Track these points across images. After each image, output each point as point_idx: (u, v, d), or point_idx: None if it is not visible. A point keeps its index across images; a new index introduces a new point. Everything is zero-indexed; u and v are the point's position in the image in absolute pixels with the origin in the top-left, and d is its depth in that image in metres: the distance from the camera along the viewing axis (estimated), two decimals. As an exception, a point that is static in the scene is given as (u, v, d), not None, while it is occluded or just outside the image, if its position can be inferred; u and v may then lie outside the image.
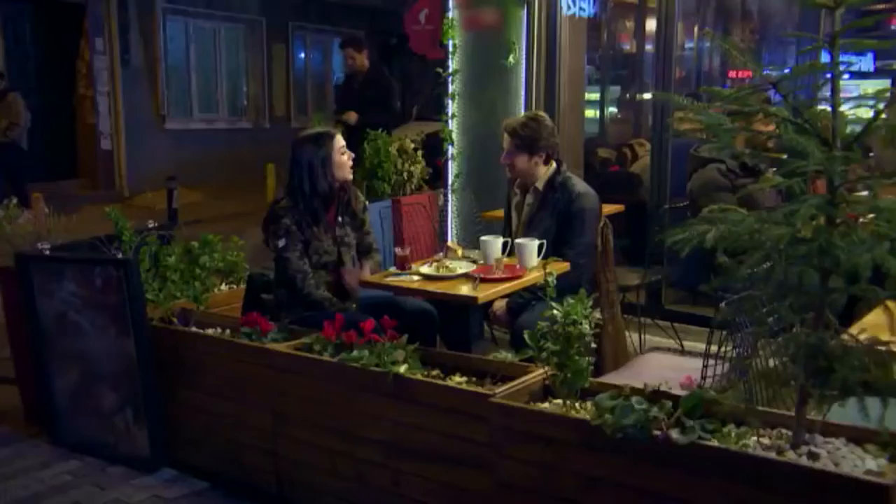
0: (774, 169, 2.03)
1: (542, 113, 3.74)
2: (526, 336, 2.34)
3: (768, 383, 1.98)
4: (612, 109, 9.44)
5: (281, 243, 3.33)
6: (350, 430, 2.71)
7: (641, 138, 6.81)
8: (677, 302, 5.03)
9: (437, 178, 5.64)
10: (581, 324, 2.27)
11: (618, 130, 8.66)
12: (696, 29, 9.54)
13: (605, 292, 3.77)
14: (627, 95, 9.81)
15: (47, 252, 3.46)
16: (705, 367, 2.54)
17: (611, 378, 2.84)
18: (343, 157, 3.40)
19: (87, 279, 3.32)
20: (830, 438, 1.96)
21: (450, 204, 5.33)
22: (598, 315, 2.29)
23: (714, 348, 2.54)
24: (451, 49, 5.21)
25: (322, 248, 3.40)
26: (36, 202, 8.59)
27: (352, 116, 6.34)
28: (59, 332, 3.46)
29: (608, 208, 4.61)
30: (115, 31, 11.20)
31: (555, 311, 2.31)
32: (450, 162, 5.37)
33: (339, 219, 3.47)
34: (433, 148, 5.70)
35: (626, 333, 4.54)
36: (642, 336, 4.47)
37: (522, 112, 5.10)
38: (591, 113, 8.61)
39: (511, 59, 4.96)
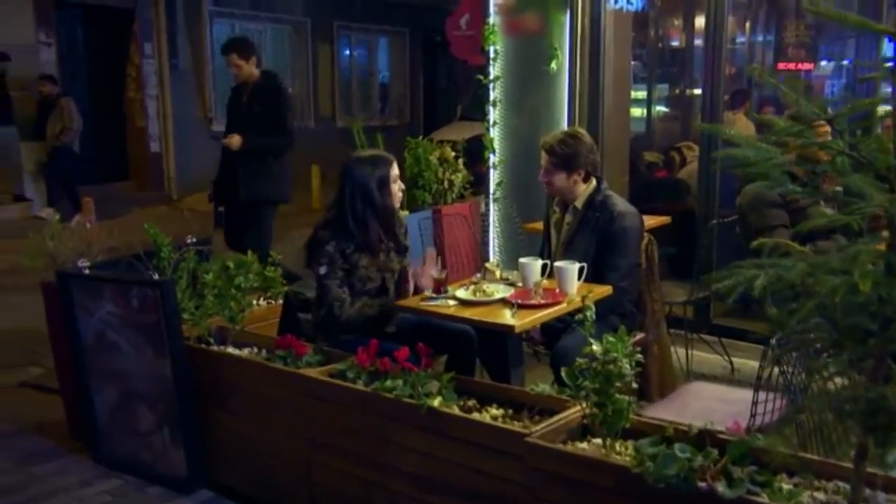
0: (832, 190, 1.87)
1: (580, 129, 3.61)
2: (563, 375, 2.24)
3: (822, 438, 1.85)
4: (660, 108, 9.21)
5: (322, 270, 3.27)
6: (383, 460, 2.65)
7: (690, 141, 6.61)
8: (726, 315, 4.86)
9: (479, 183, 5.55)
10: (621, 362, 2.16)
11: (665, 131, 8.45)
12: (747, 23, 9.26)
13: (650, 312, 3.64)
14: (677, 92, 9.57)
15: (87, 271, 3.47)
16: (755, 403, 2.41)
17: (655, 410, 2.73)
18: (395, 187, 3.33)
19: (124, 299, 3.32)
20: (894, 496, 1.82)
21: (491, 213, 5.24)
22: (640, 356, 2.17)
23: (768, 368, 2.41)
24: (492, 55, 5.11)
25: (366, 274, 3.33)
26: (86, 206, 8.77)
27: (234, 141, 5.10)
28: (99, 351, 3.48)
29: (653, 221, 4.47)
30: (164, 36, 11.36)
31: (594, 347, 2.20)
32: (491, 170, 5.27)
33: (384, 245, 3.40)
34: (475, 152, 5.59)
35: (673, 349, 4.41)
36: (689, 352, 4.32)
37: (565, 118, 4.99)
38: (637, 112, 8.40)
39: (553, 65, 4.84)
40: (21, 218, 9.22)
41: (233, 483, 3.25)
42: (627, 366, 2.14)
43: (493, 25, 5.06)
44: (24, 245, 3.87)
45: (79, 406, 3.66)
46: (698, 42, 7.96)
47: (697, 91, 7.38)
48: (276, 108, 5.18)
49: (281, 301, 3.85)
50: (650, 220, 4.48)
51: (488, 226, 5.24)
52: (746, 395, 2.61)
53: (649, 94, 8.81)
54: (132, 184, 11.41)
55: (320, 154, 11.88)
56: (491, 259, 5.23)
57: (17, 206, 9.21)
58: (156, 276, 3.39)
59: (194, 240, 3.87)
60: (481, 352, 3.39)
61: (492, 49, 5.09)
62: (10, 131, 9.29)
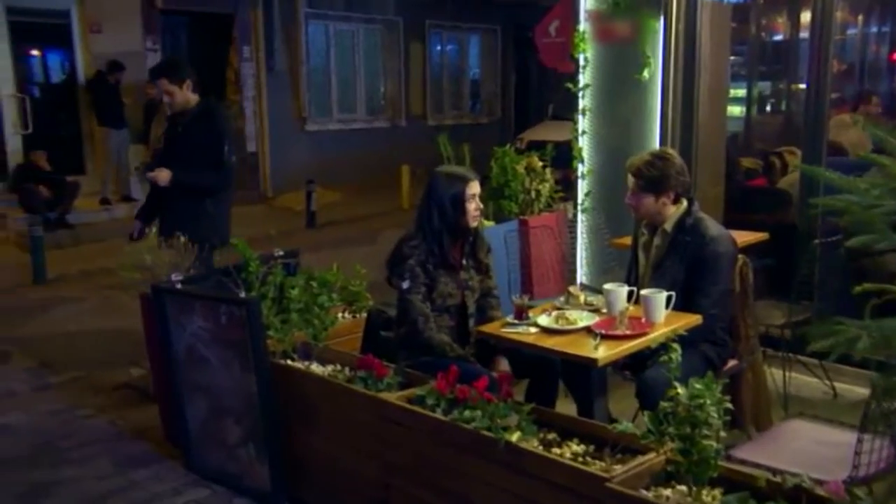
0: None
1: (670, 150, 3.47)
2: (647, 419, 2.15)
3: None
4: (761, 108, 8.80)
5: (405, 285, 3.28)
6: (460, 491, 2.62)
7: (793, 146, 6.26)
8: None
9: (567, 188, 5.42)
10: (709, 409, 2.05)
11: (766, 133, 8.06)
12: (860, 16, 8.71)
13: (744, 337, 3.47)
14: (780, 89, 9.11)
15: (179, 286, 3.58)
16: (858, 454, 2.25)
17: (748, 450, 2.59)
18: (471, 206, 3.30)
19: (213, 315, 3.41)
20: None
21: (579, 224, 5.12)
22: (729, 404, 2.06)
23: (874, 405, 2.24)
24: (582, 62, 4.99)
25: (447, 290, 3.32)
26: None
27: (162, 176, 4.41)
28: (190, 363, 3.58)
29: (749, 237, 4.27)
30: (261, 38, 11.68)
31: (679, 391, 2.10)
32: (580, 180, 5.15)
33: (465, 262, 3.38)
34: (565, 155, 5.43)
35: (769, 371, 4.20)
36: (787, 375, 4.10)
37: (657, 128, 4.82)
38: (735, 110, 8.02)
39: (646, 73, 4.67)
40: (128, 217, 9.66)
41: (313, 500, 3.29)
42: (715, 414, 2.02)
43: (584, 32, 4.93)
44: (122, 258, 4.04)
45: (173, 414, 3.79)
46: (804, 35, 7.55)
47: (803, 86, 6.93)
48: (213, 141, 4.45)
49: (365, 314, 3.88)
50: (746, 237, 4.28)
51: (576, 238, 5.12)
52: (849, 437, 2.45)
53: (749, 93, 8.42)
54: (230, 183, 11.77)
55: (411, 153, 11.98)
56: (578, 273, 5.12)
57: (126, 205, 9.67)
58: (243, 294, 3.46)
59: (281, 253, 3.95)
60: (565, 374, 3.32)
61: (581, 56, 4.96)
62: (124, 135, 9.78)
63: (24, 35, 9.65)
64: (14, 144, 9.36)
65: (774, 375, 4.12)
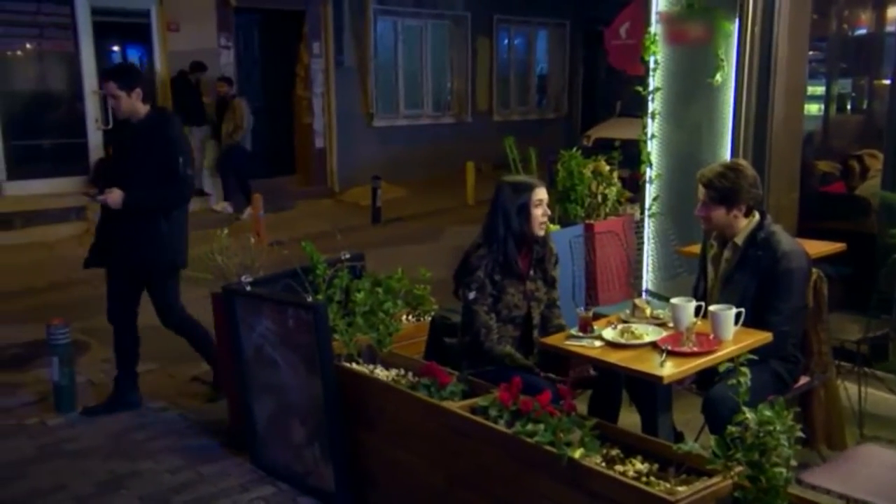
0: None
1: (742, 161, 3.38)
2: (713, 444, 2.12)
3: None
4: (840, 107, 8.45)
5: (471, 295, 3.30)
6: (522, 504, 2.63)
7: (875, 148, 6.01)
8: (908, 348, 4.42)
9: (634, 188, 5.34)
10: (777, 434, 2.01)
11: (846, 134, 7.75)
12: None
13: (817, 353, 3.37)
14: (862, 86, 8.73)
15: (248, 288, 3.67)
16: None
17: (819, 475, 2.52)
18: (537, 211, 3.30)
19: (281, 318, 3.48)
20: None
21: (647, 230, 5.04)
22: (801, 433, 2.00)
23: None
24: (652, 65, 4.90)
25: (513, 302, 3.33)
26: (255, 200, 9.37)
27: (112, 198, 4.14)
28: (258, 363, 3.68)
29: (824, 248, 4.12)
30: (331, 35, 11.83)
31: (748, 417, 2.06)
32: (648, 184, 5.07)
33: (532, 272, 3.37)
34: (632, 155, 5.34)
35: (843, 386, 4.07)
36: (862, 391, 3.96)
37: (729, 133, 4.70)
38: (813, 108, 7.74)
39: (718, 77, 4.56)
40: (201, 210, 9.98)
41: (377, 502, 3.34)
42: (786, 442, 1.98)
43: (655, 34, 4.84)
44: (195, 258, 4.14)
45: (241, 412, 3.90)
46: (891, 28, 7.22)
47: (887, 81, 6.61)
48: (165, 153, 4.16)
49: (429, 318, 3.91)
50: (822, 247, 4.14)
51: (643, 243, 5.04)
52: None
53: (828, 91, 8.10)
54: (298, 178, 12.01)
55: (476, 149, 11.99)
56: (644, 279, 5.04)
57: (198, 199, 9.95)
58: (310, 297, 3.53)
59: (348, 255, 4.01)
60: (629, 386, 3.28)
61: (652, 59, 4.87)
62: (205, 131, 10.10)
63: (106, 34, 10.02)
64: (96, 139, 9.73)
65: (849, 391, 3.99)
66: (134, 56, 10.87)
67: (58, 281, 7.51)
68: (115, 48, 10.77)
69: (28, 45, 9.81)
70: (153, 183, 4.17)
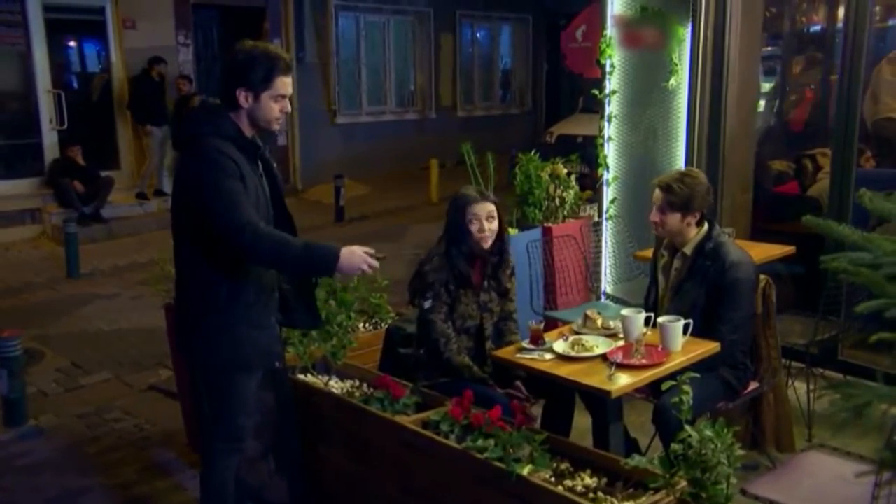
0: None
1: (696, 170, 3.42)
2: (656, 462, 2.14)
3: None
4: (793, 101, 8.54)
5: (427, 304, 3.27)
6: (474, 519, 2.63)
7: (828, 147, 6.09)
8: (854, 347, 4.48)
9: (595, 186, 5.36)
10: (717, 453, 2.04)
11: (799, 130, 7.84)
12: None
13: (766, 359, 3.42)
14: (815, 85, 8.84)
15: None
16: (875, 498, 2.21)
17: (763, 485, 2.56)
18: (473, 228, 3.24)
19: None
20: None
21: (604, 233, 5.07)
22: (740, 451, 2.03)
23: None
24: (608, 68, 4.92)
25: (467, 312, 3.32)
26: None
27: None
28: (212, 376, 3.62)
29: (774, 251, 4.20)
30: (292, 31, 11.71)
31: (690, 435, 2.09)
32: (605, 187, 5.11)
33: (486, 283, 3.36)
34: (593, 151, 5.35)
35: (792, 387, 4.15)
36: (811, 387, 4.01)
37: (683, 133, 4.75)
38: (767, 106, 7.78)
39: (673, 80, 4.60)
40: (161, 211, 9.81)
41: (332, 515, 3.33)
42: (726, 463, 2.00)
43: (610, 38, 4.87)
44: (149, 271, 4.08)
45: (195, 423, 3.85)
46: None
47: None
48: None
49: (385, 328, 3.89)
50: (772, 250, 4.21)
51: (601, 246, 5.08)
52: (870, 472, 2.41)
53: (783, 87, 8.18)
54: (261, 176, 11.85)
55: (440, 145, 11.96)
56: (602, 282, 5.08)
57: (157, 200, 9.81)
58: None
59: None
60: (582, 393, 3.29)
61: (608, 62, 4.90)
62: (165, 131, 9.82)
63: (59, 31, 9.80)
64: (50, 140, 9.53)
65: (798, 391, 4.06)
66: (89, 55, 10.67)
67: (13, 286, 7.38)
68: (71, 45, 10.56)
69: (-23, 44, 9.58)
70: None
